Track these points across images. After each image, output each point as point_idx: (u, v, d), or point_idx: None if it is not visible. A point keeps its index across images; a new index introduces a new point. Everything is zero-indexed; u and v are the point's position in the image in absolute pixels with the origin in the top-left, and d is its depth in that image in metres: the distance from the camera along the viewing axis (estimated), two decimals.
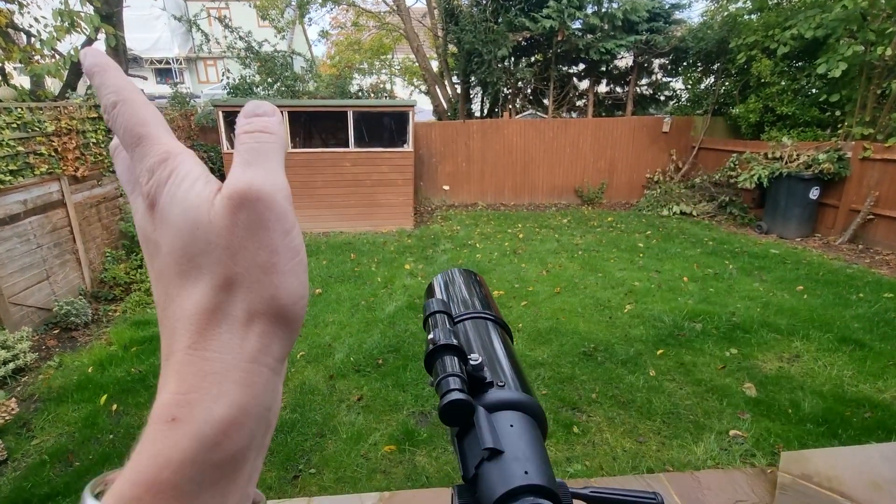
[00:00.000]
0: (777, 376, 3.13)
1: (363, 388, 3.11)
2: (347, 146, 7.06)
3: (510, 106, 10.27)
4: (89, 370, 3.39)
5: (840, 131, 6.75)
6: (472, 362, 0.49)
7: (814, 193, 6.41)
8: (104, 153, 4.96)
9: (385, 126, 7.91)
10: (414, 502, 2.17)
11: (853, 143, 6.17)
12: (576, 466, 2.43)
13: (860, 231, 6.12)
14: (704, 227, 7.18)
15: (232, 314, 0.22)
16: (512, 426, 0.47)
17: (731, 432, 2.63)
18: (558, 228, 7.21)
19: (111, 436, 2.72)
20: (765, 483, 2.20)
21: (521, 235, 6.80)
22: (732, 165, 7.58)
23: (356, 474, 2.40)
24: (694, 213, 7.90)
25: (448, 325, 0.53)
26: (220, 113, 6.78)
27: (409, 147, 7.21)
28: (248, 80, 9.14)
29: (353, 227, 7.31)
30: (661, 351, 3.48)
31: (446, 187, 9.02)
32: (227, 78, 9.17)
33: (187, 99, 7.80)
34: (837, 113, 7.16)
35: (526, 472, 0.41)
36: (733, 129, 8.67)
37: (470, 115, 10.44)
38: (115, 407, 2.96)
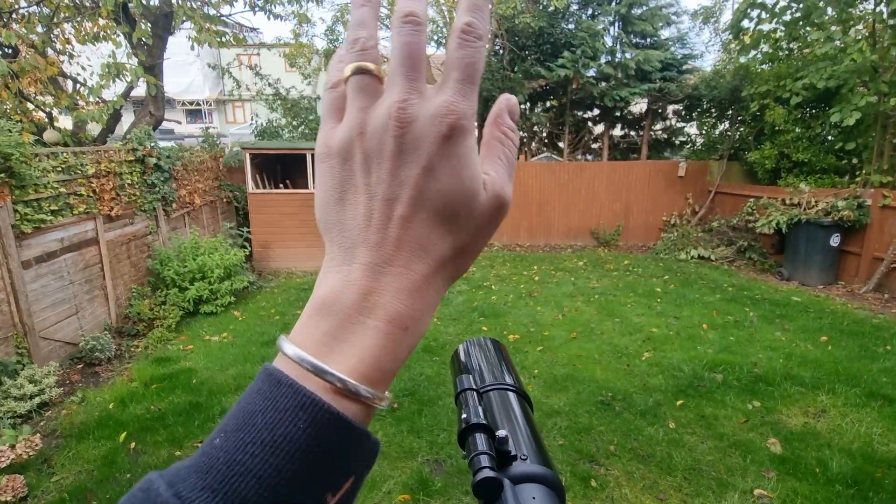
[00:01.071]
0: (803, 432, 3.03)
1: (378, 432, 3.09)
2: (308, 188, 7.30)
3: (526, 149, 10.52)
4: (110, 406, 3.46)
5: (858, 178, 6.73)
6: (498, 436, 0.54)
7: (834, 241, 6.33)
8: (137, 193, 5.22)
9: None
10: None
11: (872, 190, 6.15)
12: None
13: (885, 280, 5.99)
14: (723, 273, 7.11)
15: (448, 269, 0.30)
16: (534, 498, 0.51)
17: (756, 491, 2.53)
18: (574, 271, 7.21)
19: (128, 475, 2.74)
20: None
21: (536, 278, 6.81)
22: (750, 210, 7.56)
23: None
24: (712, 257, 7.83)
25: (477, 403, 0.58)
26: (248, 155, 7.09)
27: None
28: (274, 124, 9.59)
29: None
30: (680, 402, 3.41)
31: None
32: (255, 120, 9.64)
33: (216, 140, 8.19)
34: (854, 160, 7.17)
35: None
36: (749, 174, 8.70)
37: None
38: (133, 445, 3.00)
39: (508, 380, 0.72)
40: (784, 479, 2.62)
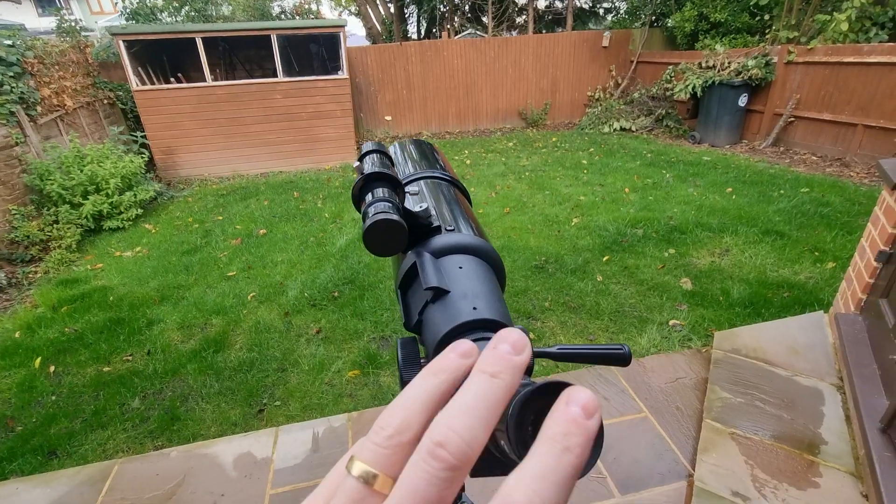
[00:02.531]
0: (710, 269, 3.39)
1: (321, 321, 3.08)
2: (276, 76, 6.47)
3: (448, 25, 9.70)
4: (16, 335, 3.13)
5: (768, 36, 6.92)
6: (418, 209, 0.44)
7: (742, 100, 6.66)
8: None
9: (315, 52, 7.28)
10: None
11: (779, 47, 6.37)
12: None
13: (782, 134, 6.51)
14: (643, 141, 7.38)
15: None
16: (461, 268, 0.43)
17: (671, 322, 2.86)
18: (504, 152, 7.16)
19: (54, 397, 2.56)
20: (701, 361, 2.43)
21: (468, 161, 6.71)
22: (669, 77, 7.68)
23: (322, 401, 2.43)
24: (633, 128, 8.06)
25: (382, 160, 0.47)
26: (122, 43, 5.93)
27: (343, 74, 6.71)
28: (148, 4, 7.99)
29: (293, 165, 6.91)
30: (606, 258, 3.65)
31: (388, 118, 8.62)
32: (125, 1, 7.96)
33: (77, 29, 6.73)
34: (767, 17, 7.30)
35: (475, 308, 0.38)
36: (670, 40, 8.70)
37: (406, 36, 9.80)
38: (52, 368, 2.78)
39: (440, 170, 0.61)
40: (694, 308, 2.96)
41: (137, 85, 6.15)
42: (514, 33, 10.53)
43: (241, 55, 7.63)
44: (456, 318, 0.37)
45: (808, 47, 6.00)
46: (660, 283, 3.27)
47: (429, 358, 0.39)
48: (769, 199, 4.58)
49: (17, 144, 4.66)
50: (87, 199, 4.64)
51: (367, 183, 0.42)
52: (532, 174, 5.91)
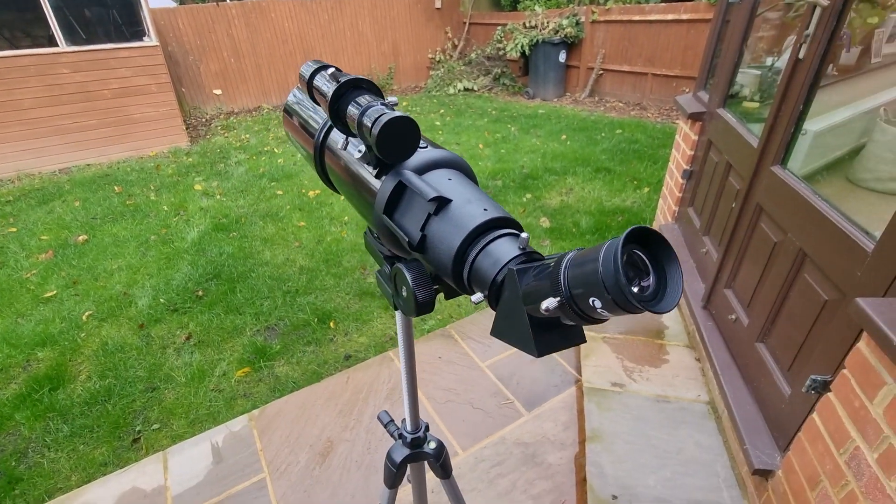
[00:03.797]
0: (561, 207, 3.84)
1: (188, 325, 2.71)
2: (56, 45, 5.19)
3: None
4: None
5: None
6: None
7: (562, 57, 7.46)
8: None
9: (105, 13, 5.98)
10: (287, 409, 2.11)
11: (584, 7, 7.23)
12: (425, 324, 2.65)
13: (595, 86, 7.51)
14: (486, 100, 7.84)
15: None
16: (450, 179, 0.43)
17: None
18: None
19: None
20: None
21: None
22: (499, 38, 8.19)
23: (213, 409, 2.18)
24: (475, 87, 8.48)
25: (338, 72, 0.43)
26: None
27: (152, 40, 5.68)
28: None
29: (106, 156, 5.74)
30: None
31: (218, 91, 7.63)
32: None
33: None
34: None
35: (485, 210, 0.38)
36: (496, 1, 9.20)
37: None
38: None
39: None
40: (555, 242, 3.34)
41: None
42: None
43: None
44: (473, 221, 0.36)
45: (606, 7, 6.93)
46: (524, 225, 3.59)
47: (443, 269, 0.38)
48: (595, 141, 5.31)
49: None
50: None
51: (348, 92, 0.37)
52: None
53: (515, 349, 2.35)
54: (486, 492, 1.68)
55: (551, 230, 3.51)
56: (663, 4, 6.30)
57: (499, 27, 8.27)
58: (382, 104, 0.37)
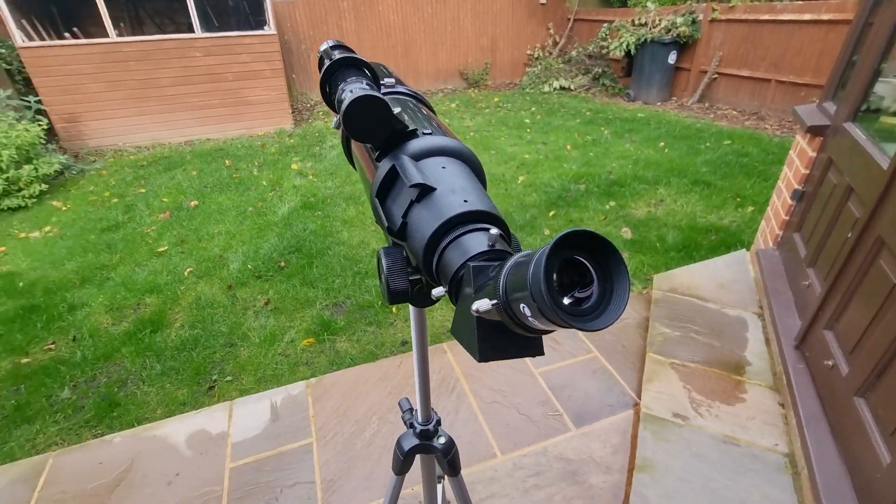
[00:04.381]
0: (647, 219, 3.58)
1: (268, 292, 2.95)
2: (192, 31, 5.87)
3: None
4: None
5: None
6: (393, 112, 0.41)
7: (672, 58, 6.93)
8: None
9: (235, 4, 6.65)
10: (342, 382, 2.22)
11: (704, 4, 6.63)
12: None
13: (707, 91, 6.87)
14: (581, 100, 7.53)
15: None
16: (444, 168, 0.41)
17: None
18: (448, 113, 7.04)
19: None
20: (643, 302, 2.59)
21: None
22: (604, 35, 7.80)
23: (277, 372, 2.36)
24: (571, 86, 8.18)
25: (348, 52, 0.43)
26: None
27: (270, 29, 6.21)
28: None
29: (223, 132, 6.41)
30: (552, 212, 3.75)
31: None
32: None
33: None
34: None
35: (465, 201, 0.36)
36: None
37: None
38: None
39: (402, 87, 0.58)
40: (634, 255, 3.13)
41: (23, 41, 5.35)
42: None
43: (148, 7, 6.82)
44: (450, 211, 0.35)
45: (730, 5, 6.29)
46: (604, 233, 3.41)
47: (419, 259, 0.36)
48: (697, 151, 4.87)
49: None
50: None
51: (339, 70, 0.37)
52: (477, 134, 5.88)
53: (574, 359, 2.25)
54: (519, 500, 1.64)
55: (633, 242, 3.29)
56: (800, 3, 5.58)
57: (605, 24, 7.88)
58: (368, 84, 0.36)
